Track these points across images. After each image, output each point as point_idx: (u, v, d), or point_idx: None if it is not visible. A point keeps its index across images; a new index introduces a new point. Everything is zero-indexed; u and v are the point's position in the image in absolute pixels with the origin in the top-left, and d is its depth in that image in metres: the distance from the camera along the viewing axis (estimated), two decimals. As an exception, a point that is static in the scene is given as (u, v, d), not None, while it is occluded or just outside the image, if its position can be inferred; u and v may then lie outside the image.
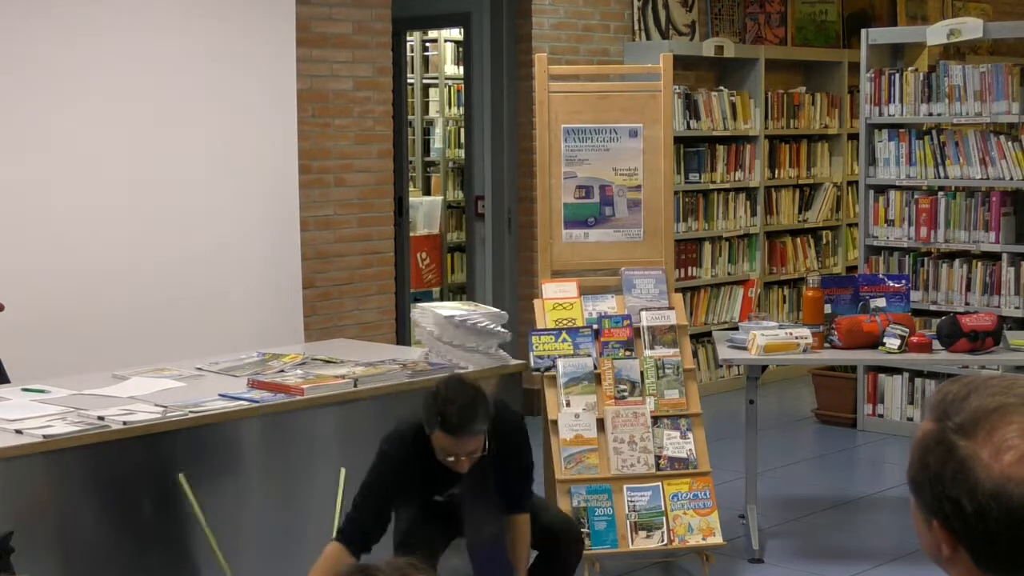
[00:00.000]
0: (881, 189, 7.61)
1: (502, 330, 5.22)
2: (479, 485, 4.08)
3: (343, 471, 3.81)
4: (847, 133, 9.37)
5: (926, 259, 7.48)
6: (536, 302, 5.57)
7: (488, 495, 4.10)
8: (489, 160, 8.19)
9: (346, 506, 4.00)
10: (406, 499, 4.14)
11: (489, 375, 4.99)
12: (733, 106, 8.69)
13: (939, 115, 7.39)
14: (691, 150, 8.50)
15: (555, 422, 5.16)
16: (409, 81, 10.29)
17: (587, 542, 5.03)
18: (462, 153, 9.66)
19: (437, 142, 11.15)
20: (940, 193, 7.44)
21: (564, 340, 5.28)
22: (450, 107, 11.00)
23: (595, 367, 5.26)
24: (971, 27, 7.32)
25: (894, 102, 7.51)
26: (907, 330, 5.46)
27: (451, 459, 3.95)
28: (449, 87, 11.01)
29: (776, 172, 9.06)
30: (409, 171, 9.90)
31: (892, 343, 5.42)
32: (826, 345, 5.54)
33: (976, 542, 1.42)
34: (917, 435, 1.52)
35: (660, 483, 5.16)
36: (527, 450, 4.21)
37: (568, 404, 5.18)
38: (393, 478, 4.06)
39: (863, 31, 7.77)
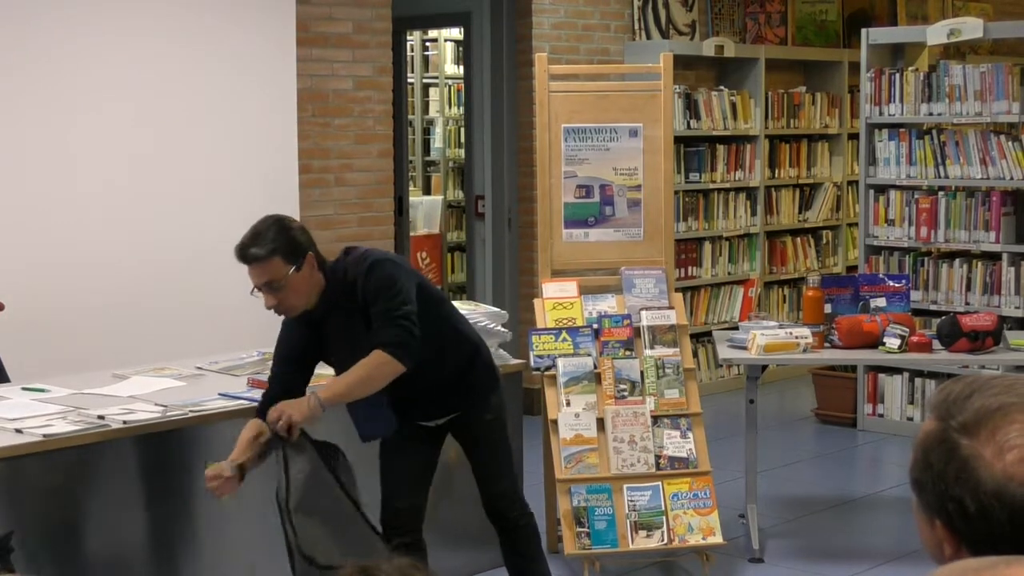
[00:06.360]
0: (881, 189, 7.61)
1: (502, 329, 5.23)
2: (342, 332, 4.03)
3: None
4: (847, 133, 9.36)
5: (926, 259, 7.48)
6: (536, 301, 5.57)
7: (350, 342, 4.02)
8: (489, 160, 8.18)
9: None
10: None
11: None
12: (733, 106, 8.69)
13: (939, 115, 7.39)
14: (691, 150, 8.50)
15: (555, 422, 5.16)
16: (409, 80, 10.29)
17: (587, 541, 5.03)
18: (462, 152, 9.65)
19: (437, 141, 11.14)
20: (940, 193, 7.44)
21: (564, 339, 5.28)
22: (450, 106, 11.00)
23: (595, 366, 5.26)
24: (971, 27, 7.32)
25: (894, 102, 7.51)
26: (907, 330, 5.46)
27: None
28: (449, 86, 11.00)
29: (776, 172, 9.06)
30: (409, 171, 9.90)
31: (892, 343, 5.42)
32: (826, 345, 5.54)
33: (979, 542, 1.42)
34: (919, 434, 1.52)
35: (660, 483, 5.16)
36: (384, 297, 3.95)
37: (568, 403, 5.18)
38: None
39: (863, 31, 7.77)
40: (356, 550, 3.95)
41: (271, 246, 3.89)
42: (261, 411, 4.04)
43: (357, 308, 3.98)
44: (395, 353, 3.91)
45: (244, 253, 3.91)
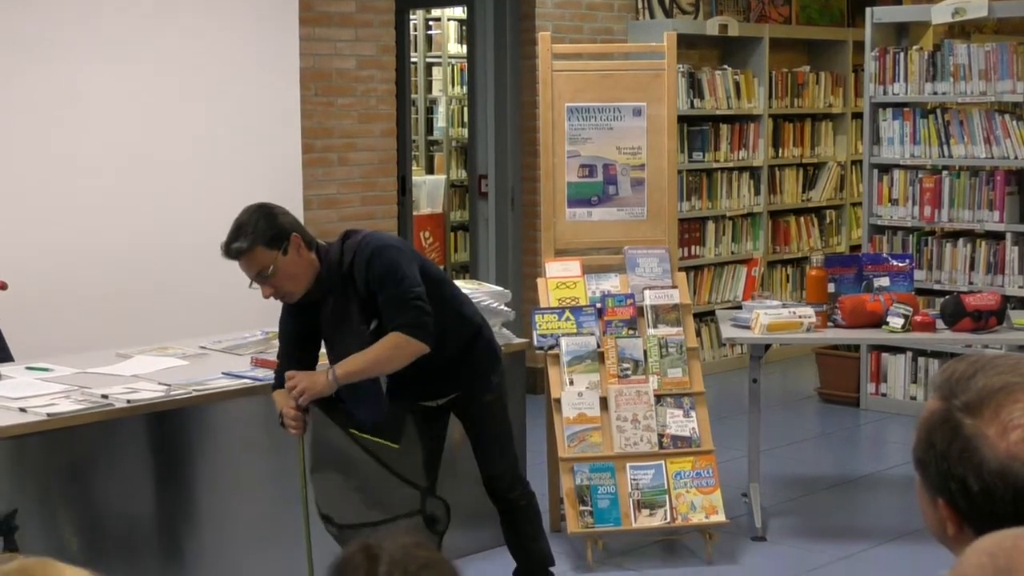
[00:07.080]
0: (885, 168, 7.59)
1: (505, 309, 5.23)
2: (337, 316, 4.04)
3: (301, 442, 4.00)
4: (851, 112, 9.35)
5: (930, 238, 7.47)
6: (539, 281, 5.57)
7: (343, 327, 4.04)
8: (492, 139, 8.17)
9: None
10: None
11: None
12: (737, 85, 8.67)
13: (944, 94, 7.37)
14: (695, 129, 8.48)
15: (558, 400, 5.17)
16: (412, 60, 10.27)
17: (590, 520, 5.05)
18: (465, 132, 9.65)
19: (440, 121, 11.13)
20: (944, 172, 7.42)
21: (567, 319, 5.29)
22: (453, 86, 10.98)
23: (598, 346, 5.26)
24: (976, 6, 7.30)
25: (898, 81, 7.49)
26: (911, 309, 5.45)
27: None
28: (452, 66, 10.98)
29: (780, 151, 9.05)
30: (412, 150, 9.89)
31: (896, 322, 5.42)
32: (829, 324, 5.54)
33: (982, 521, 1.42)
34: (923, 414, 1.52)
35: (663, 461, 5.16)
36: (390, 285, 3.96)
37: (571, 383, 5.19)
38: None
39: (868, 10, 7.74)
40: (388, 503, 4.02)
41: (251, 237, 3.92)
42: (276, 388, 4.13)
43: (355, 294, 3.99)
44: (415, 334, 3.94)
45: (228, 250, 3.95)
